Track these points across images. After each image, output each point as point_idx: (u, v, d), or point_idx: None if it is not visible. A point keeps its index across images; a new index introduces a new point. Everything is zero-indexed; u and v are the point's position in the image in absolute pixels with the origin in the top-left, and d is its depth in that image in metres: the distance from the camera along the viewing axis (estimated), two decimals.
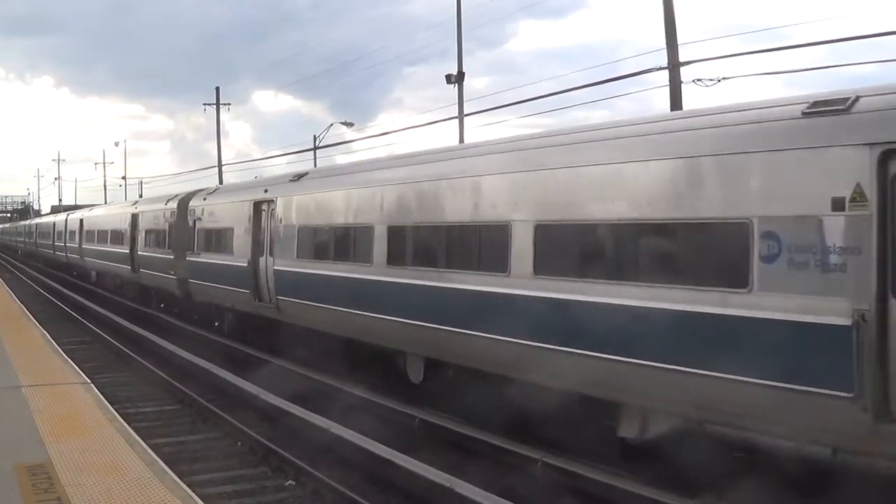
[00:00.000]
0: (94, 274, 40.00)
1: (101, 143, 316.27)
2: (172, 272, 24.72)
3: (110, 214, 37.33)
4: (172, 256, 24.85)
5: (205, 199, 23.22)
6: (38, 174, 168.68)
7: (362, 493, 9.55)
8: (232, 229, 20.19)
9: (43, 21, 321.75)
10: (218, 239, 21.35)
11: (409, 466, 9.78)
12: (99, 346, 21.74)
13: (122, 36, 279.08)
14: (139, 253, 29.62)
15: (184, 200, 24.97)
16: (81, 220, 42.51)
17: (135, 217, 30.95)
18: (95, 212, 43.01)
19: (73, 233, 44.91)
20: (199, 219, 22.74)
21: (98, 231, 38.05)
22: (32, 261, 63.79)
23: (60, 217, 54.42)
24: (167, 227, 26.19)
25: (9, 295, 29.43)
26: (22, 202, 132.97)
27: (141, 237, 29.63)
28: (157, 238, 27.68)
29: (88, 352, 20.40)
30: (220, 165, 53.30)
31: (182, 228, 24.14)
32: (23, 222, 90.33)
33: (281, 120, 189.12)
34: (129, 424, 10.30)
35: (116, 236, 33.77)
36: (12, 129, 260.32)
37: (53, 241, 53.30)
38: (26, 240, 74.68)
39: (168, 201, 26.99)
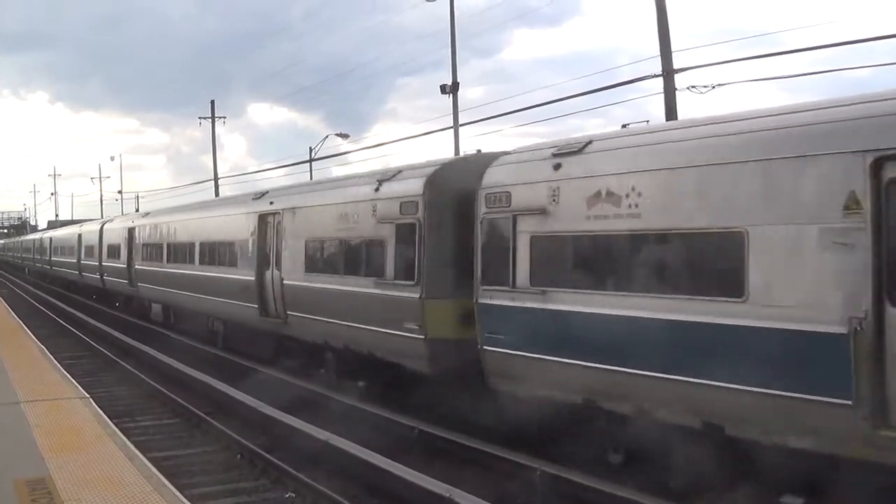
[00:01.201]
0: (156, 308, 27.86)
1: (97, 157, 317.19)
2: (416, 326, 12.60)
3: (194, 219, 24.01)
4: (417, 295, 12.52)
5: (557, 165, 10.34)
6: (35, 189, 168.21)
7: None
8: (739, 234, 8.12)
9: (35, 37, 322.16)
10: (668, 261, 9.14)
11: (407, 477, 9.79)
12: (98, 360, 21.69)
13: (114, 50, 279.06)
14: (287, 283, 16.65)
15: (447, 175, 12.82)
16: (131, 231, 30.43)
17: (267, 219, 18.01)
18: (156, 218, 28.82)
19: (114, 248, 32.86)
20: (543, 212, 10.40)
21: (169, 245, 25.52)
22: (46, 282, 53.47)
23: (90, 227, 40.84)
24: (391, 236, 13.26)
25: (6, 311, 29.41)
26: (18, 217, 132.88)
27: (289, 254, 16.79)
28: (345, 257, 14.91)
29: (87, 366, 20.37)
30: (216, 178, 53.46)
31: (446, 236, 12.45)
32: (31, 236, 77.40)
33: (276, 132, 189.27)
34: (128, 438, 10.33)
35: (215, 253, 21.37)
36: (7, 145, 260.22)
37: (79, 259, 40.69)
38: (36, 257, 61.11)
39: (384, 182, 13.82)
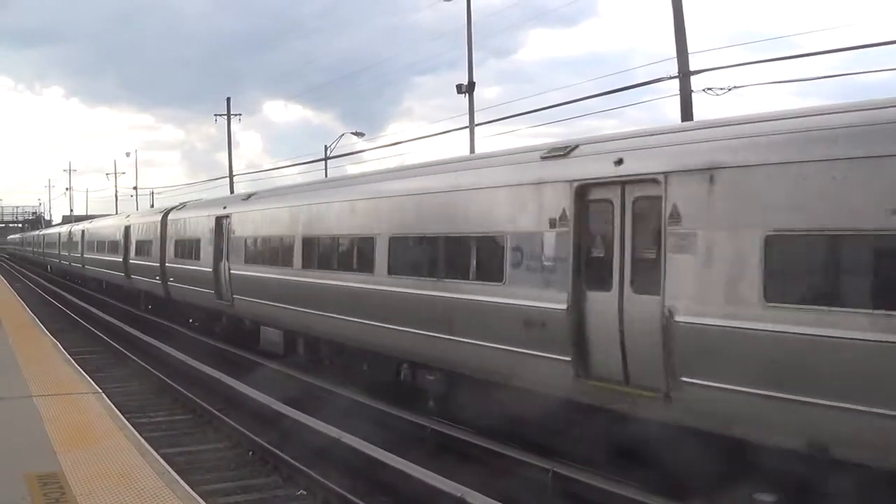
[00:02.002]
0: (269, 334, 19.25)
1: (112, 153, 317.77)
2: None
3: (375, 199, 14.55)
4: None
5: None
6: (49, 184, 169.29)
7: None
8: None
9: (49, 32, 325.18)
10: None
11: (420, 476, 9.75)
12: (109, 355, 21.72)
13: (128, 46, 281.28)
14: (687, 322, 8.20)
15: None
16: (221, 221, 21.71)
17: (593, 192, 9.58)
18: (277, 202, 19.29)
19: (188, 245, 24.60)
20: None
21: (308, 241, 16.80)
22: (80, 284, 45.55)
23: (145, 218, 32.69)
24: None
25: (19, 304, 29.52)
26: (33, 212, 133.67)
27: (695, 263, 8.23)
28: None
29: (99, 361, 20.41)
30: (230, 176, 53.38)
31: None
32: (55, 228, 70.13)
33: (291, 130, 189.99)
34: (140, 434, 10.31)
35: (438, 256, 12.63)
36: (23, 140, 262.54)
37: (126, 259, 32.84)
38: (63, 253, 53.07)
39: None
